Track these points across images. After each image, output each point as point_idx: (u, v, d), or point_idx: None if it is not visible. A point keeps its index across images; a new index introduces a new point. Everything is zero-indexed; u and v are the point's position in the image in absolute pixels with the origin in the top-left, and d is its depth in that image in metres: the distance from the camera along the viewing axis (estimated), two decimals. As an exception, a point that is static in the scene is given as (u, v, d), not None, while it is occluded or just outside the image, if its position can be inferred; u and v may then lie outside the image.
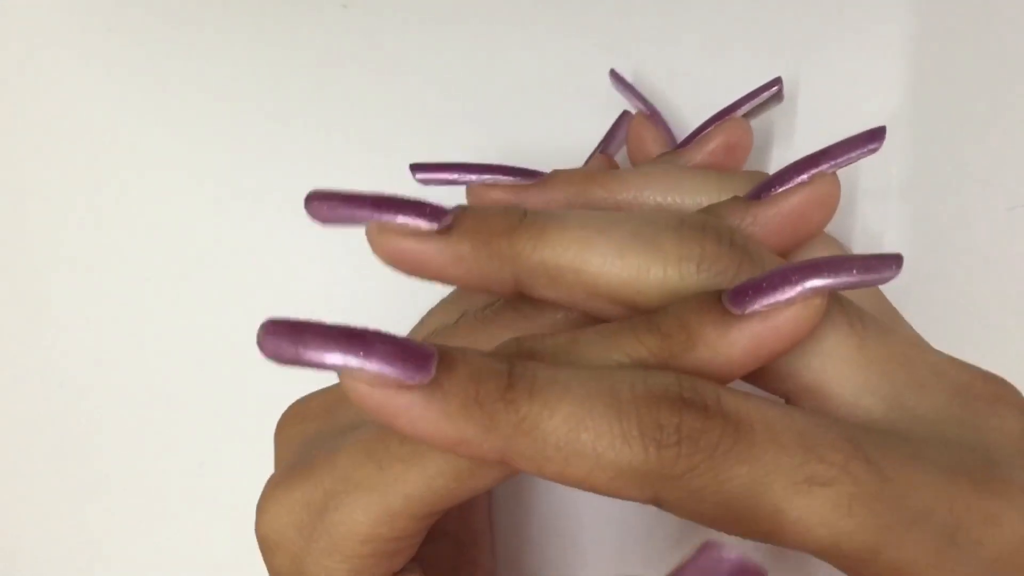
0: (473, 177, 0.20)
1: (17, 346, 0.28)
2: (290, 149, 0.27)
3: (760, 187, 0.18)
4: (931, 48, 0.24)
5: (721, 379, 0.15)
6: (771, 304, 0.15)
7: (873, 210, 0.24)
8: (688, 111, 0.25)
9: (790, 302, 0.15)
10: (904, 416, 0.16)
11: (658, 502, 0.14)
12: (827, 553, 0.14)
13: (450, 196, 0.20)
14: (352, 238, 0.27)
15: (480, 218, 0.17)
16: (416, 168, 0.20)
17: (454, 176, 0.20)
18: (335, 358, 0.14)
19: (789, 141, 0.25)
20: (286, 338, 0.15)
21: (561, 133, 0.26)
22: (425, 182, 0.20)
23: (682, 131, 0.25)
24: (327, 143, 0.27)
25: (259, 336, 0.15)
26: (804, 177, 0.18)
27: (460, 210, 0.17)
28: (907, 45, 0.24)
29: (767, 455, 0.14)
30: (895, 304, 0.20)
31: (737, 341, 0.15)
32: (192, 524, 0.27)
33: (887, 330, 0.17)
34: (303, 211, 0.28)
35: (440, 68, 0.27)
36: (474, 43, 0.27)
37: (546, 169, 0.21)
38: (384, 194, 0.16)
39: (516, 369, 0.15)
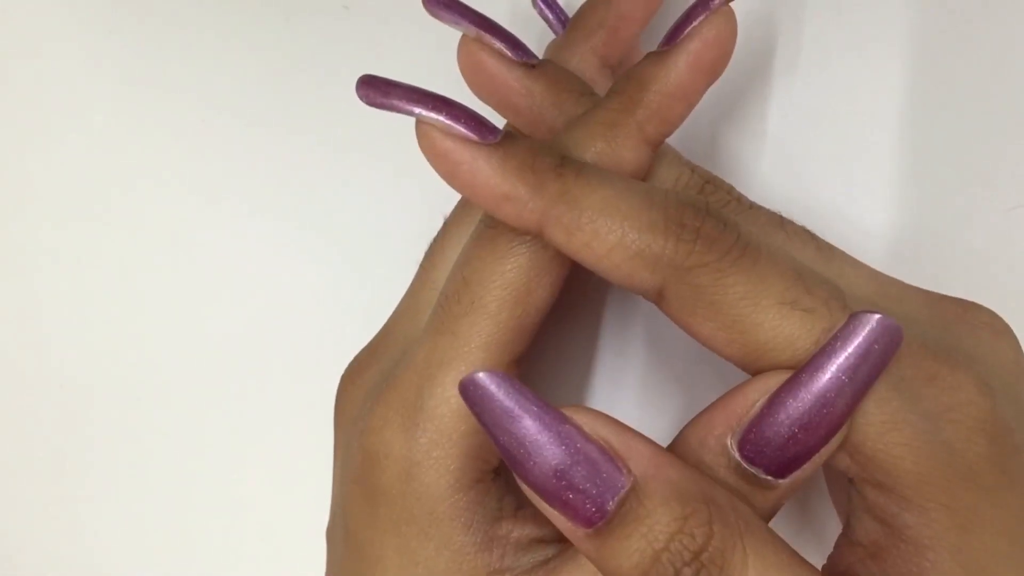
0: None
1: (17, 347, 0.28)
2: (291, 150, 0.27)
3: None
4: (931, 48, 0.24)
5: (682, 99, 0.18)
6: (691, 27, 0.18)
7: (872, 209, 0.24)
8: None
9: (704, 21, 0.18)
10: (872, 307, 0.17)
11: (661, 295, 0.16)
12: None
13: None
14: (352, 238, 0.27)
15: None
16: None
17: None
18: (418, 108, 0.17)
19: (789, 141, 0.25)
20: (378, 89, 0.18)
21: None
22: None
23: (676, 134, 0.25)
24: (328, 143, 0.27)
25: (357, 85, 0.18)
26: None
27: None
28: (907, 45, 0.25)
29: (765, 273, 0.16)
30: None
31: (677, 61, 0.18)
32: (192, 524, 0.27)
33: (856, 260, 0.19)
34: (303, 211, 0.28)
35: (441, 68, 0.27)
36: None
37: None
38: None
39: (569, 158, 0.17)
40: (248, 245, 0.27)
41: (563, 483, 0.14)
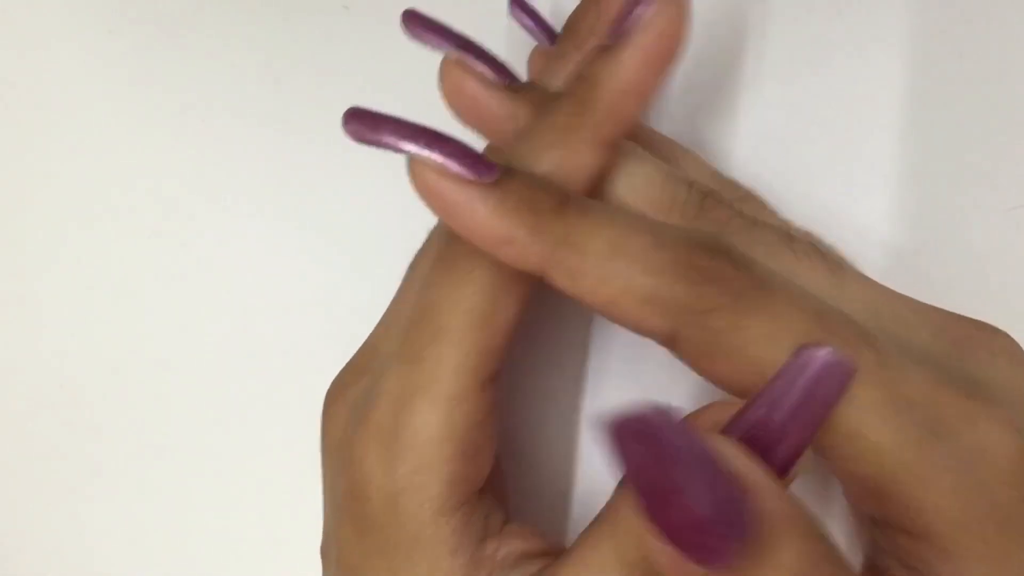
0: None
1: (15, 347, 0.28)
2: (291, 150, 0.27)
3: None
4: (931, 48, 0.24)
5: (635, 96, 0.17)
6: (638, 15, 0.17)
7: (872, 209, 0.24)
8: (684, 114, 0.25)
9: (652, 8, 0.17)
10: (892, 341, 0.16)
11: (675, 339, 0.15)
12: None
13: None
14: (352, 238, 0.27)
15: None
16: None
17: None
18: (409, 146, 0.16)
19: (789, 141, 0.25)
20: (366, 124, 0.17)
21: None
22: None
23: (676, 135, 0.25)
24: (328, 143, 0.27)
25: (343, 120, 0.17)
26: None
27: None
28: (907, 45, 0.24)
29: (783, 313, 0.15)
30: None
31: (627, 56, 0.17)
32: (192, 524, 0.27)
33: (865, 277, 0.18)
34: (303, 211, 0.28)
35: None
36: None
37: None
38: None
39: (570, 194, 0.16)
40: (248, 245, 0.27)
41: (703, 532, 0.12)
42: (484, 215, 0.15)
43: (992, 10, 0.24)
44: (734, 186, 0.21)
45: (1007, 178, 0.24)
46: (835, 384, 0.14)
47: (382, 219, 0.27)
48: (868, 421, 0.15)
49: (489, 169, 0.16)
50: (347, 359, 0.21)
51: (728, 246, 0.16)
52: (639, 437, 0.12)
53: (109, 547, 0.27)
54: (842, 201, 0.24)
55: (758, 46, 0.25)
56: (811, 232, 0.20)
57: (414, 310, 0.18)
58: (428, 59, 0.27)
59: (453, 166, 0.16)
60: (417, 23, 0.18)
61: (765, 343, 0.15)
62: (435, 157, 0.16)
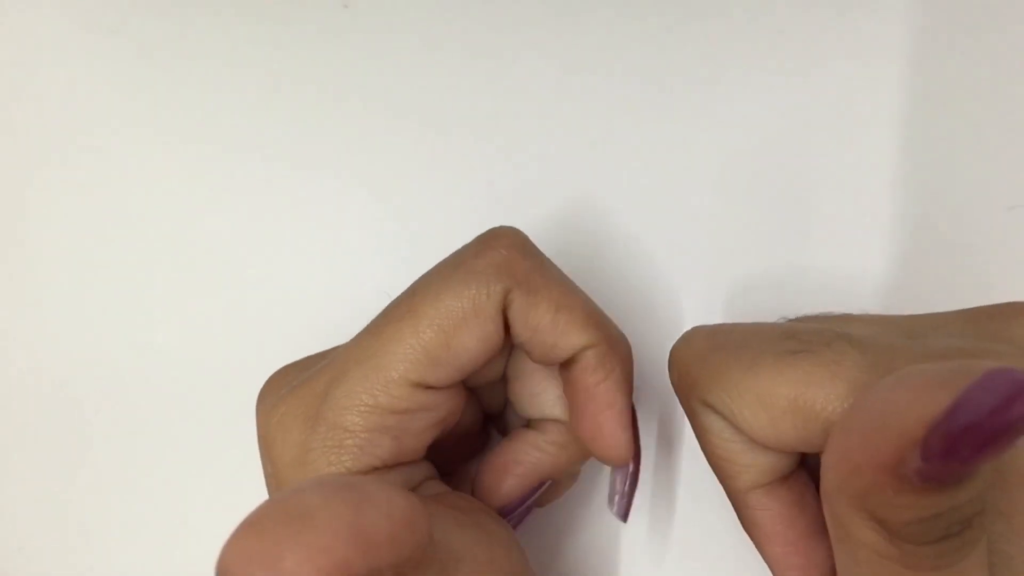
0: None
1: (14, 347, 0.28)
2: (290, 149, 0.27)
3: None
4: (931, 48, 0.24)
5: None
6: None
7: (873, 210, 0.24)
8: (685, 114, 0.25)
9: None
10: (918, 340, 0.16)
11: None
12: (829, 425, 0.15)
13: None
14: (353, 238, 0.27)
15: None
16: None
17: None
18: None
19: (789, 142, 0.25)
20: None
21: (560, 131, 0.26)
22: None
23: (676, 135, 0.25)
24: (327, 142, 0.27)
25: None
26: None
27: None
28: (907, 45, 0.24)
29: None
30: (896, 306, 0.20)
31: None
32: (190, 524, 0.27)
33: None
34: (302, 211, 0.28)
35: (441, 68, 0.27)
36: (475, 43, 0.27)
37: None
38: None
39: None
40: (248, 245, 0.27)
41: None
42: None
43: (992, 11, 0.24)
44: None
45: (1007, 178, 0.24)
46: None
47: (383, 219, 0.27)
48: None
49: None
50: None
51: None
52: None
53: (109, 547, 0.27)
54: (842, 202, 0.24)
55: (758, 46, 0.25)
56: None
57: (402, 293, 0.19)
58: (427, 59, 0.27)
59: None
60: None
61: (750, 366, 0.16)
62: None
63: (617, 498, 0.20)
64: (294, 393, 0.19)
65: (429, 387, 0.18)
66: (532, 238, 0.20)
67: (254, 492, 0.26)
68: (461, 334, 0.18)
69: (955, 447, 0.12)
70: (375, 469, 0.18)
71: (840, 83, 0.25)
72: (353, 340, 0.19)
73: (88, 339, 0.27)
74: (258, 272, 0.27)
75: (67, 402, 0.27)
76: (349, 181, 0.27)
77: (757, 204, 0.25)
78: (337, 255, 0.27)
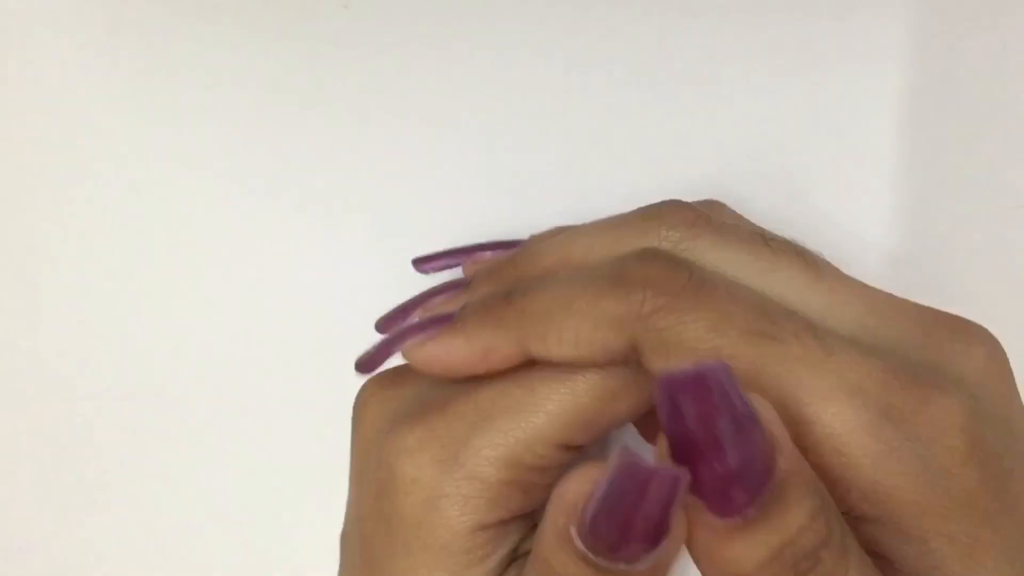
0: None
1: (14, 347, 0.28)
2: (289, 149, 0.27)
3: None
4: (931, 48, 0.24)
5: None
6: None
7: (874, 210, 0.24)
8: (683, 115, 0.25)
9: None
10: (867, 335, 0.17)
11: (637, 349, 0.16)
12: None
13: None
14: (353, 238, 0.27)
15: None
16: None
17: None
18: (396, 347, 0.19)
19: (789, 141, 0.25)
20: (368, 364, 0.19)
21: (560, 132, 0.26)
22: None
23: (676, 135, 0.25)
24: (326, 143, 0.27)
25: (358, 366, 0.20)
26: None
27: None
28: (907, 46, 0.24)
29: (724, 305, 0.16)
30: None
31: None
32: (191, 524, 0.27)
33: (845, 275, 0.18)
34: (302, 210, 0.28)
35: (441, 68, 0.27)
36: (476, 43, 0.27)
37: (523, 233, 0.22)
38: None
39: (513, 287, 0.18)
40: (248, 245, 0.27)
41: (733, 484, 0.13)
42: (460, 346, 0.18)
43: (991, 11, 0.24)
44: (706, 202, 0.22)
45: (1007, 179, 0.24)
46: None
47: (384, 219, 0.27)
48: (821, 409, 0.15)
49: (447, 318, 0.18)
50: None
51: (660, 251, 0.17)
52: (695, 390, 0.13)
53: (110, 547, 0.27)
54: (842, 202, 0.24)
55: (759, 47, 0.25)
56: (791, 238, 0.20)
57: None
58: (427, 60, 0.27)
59: (426, 336, 0.18)
60: (426, 263, 0.21)
61: (712, 335, 0.16)
62: (413, 340, 0.18)
63: None
64: (427, 426, 0.18)
65: (572, 448, 0.18)
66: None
67: (255, 492, 0.27)
68: (617, 403, 0.17)
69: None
70: (502, 521, 0.18)
71: (840, 83, 0.25)
72: (499, 383, 0.18)
73: (88, 339, 0.27)
74: (259, 272, 0.27)
75: (67, 402, 0.27)
76: (349, 181, 0.27)
77: (757, 204, 0.25)
78: (337, 254, 0.27)
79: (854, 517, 0.16)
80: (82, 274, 0.28)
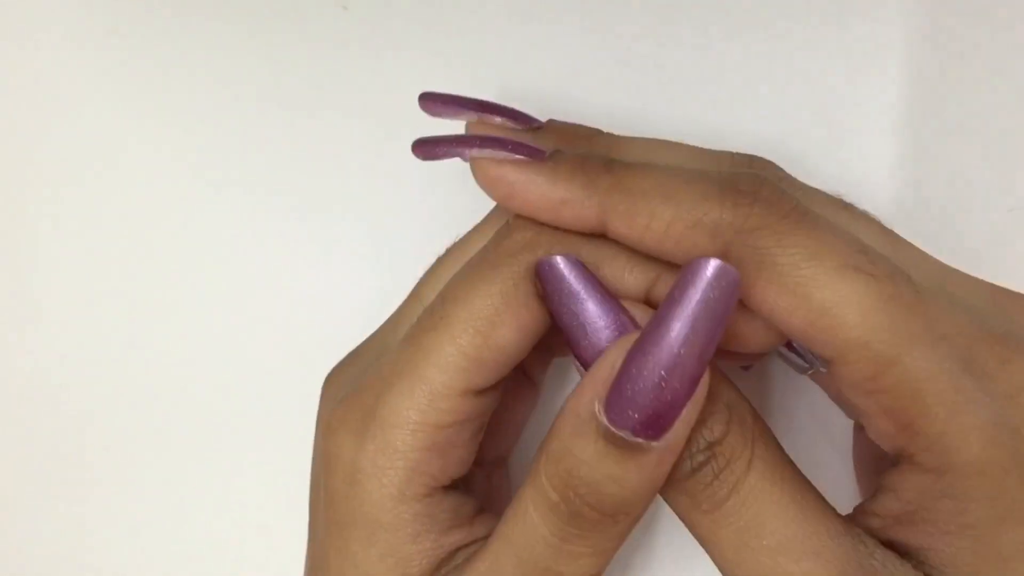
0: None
1: (14, 347, 0.28)
2: (289, 150, 0.27)
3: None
4: (931, 48, 0.24)
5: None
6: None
7: (873, 210, 0.24)
8: (680, 110, 0.25)
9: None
10: (950, 293, 0.17)
11: (724, 257, 0.16)
12: (851, 348, 0.15)
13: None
14: (353, 238, 0.27)
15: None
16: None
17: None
18: (468, 149, 0.18)
19: (789, 141, 0.25)
20: (428, 147, 0.19)
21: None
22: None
23: (676, 135, 0.25)
24: (327, 144, 0.27)
25: (412, 148, 0.19)
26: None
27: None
28: (907, 46, 0.24)
29: (826, 235, 0.16)
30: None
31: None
32: (191, 524, 0.27)
33: (920, 248, 0.18)
34: (302, 211, 0.28)
35: (441, 68, 0.27)
36: (476, 44, 0.27)
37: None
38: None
39: (616, 159, 0.18)
40: (248, 245, 0.27)
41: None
42: (541, 183, 0.17)
43: (992, 11, 0.24)
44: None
45: (1007, 179, 0.24)
46: (726, 294, 0.15)
47: (384, 218, 0.27)
48: (905, 351, 0.15)
49: (540, 152, 0.17)
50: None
51: (770, 178, 0.17)
52: (553, 279, 0.16)
53: (110, 547, 0.27)
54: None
55: (759, 47, 0.25)
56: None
57: (435, 298, 0.18)
58: (427, 60, 0.27)
59: (510, 156, 0.17)
60: (433, 101, 0.20)
61: (810, 263, 0.15)
62: (491, 153, 0.17)
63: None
64: (345, 404, 0.18)
65: (480, 393, 0.18)
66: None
67: (255, 492, 0.27)
68: (498, 331, 0.17)
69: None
70: (428, 494, 0.18)
71: (840, 83, 0.25)
72: (399, 344, 0.18)
73: (88, 339, 0.27)
74: (259, 272, 0.27)
75: (68, 402, 0.27)
76: (349, 181, 0.27)
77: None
78: (337, 254, 0.27)
79: (908, 463, 0.16)
80: (81, 274, 0.28)
